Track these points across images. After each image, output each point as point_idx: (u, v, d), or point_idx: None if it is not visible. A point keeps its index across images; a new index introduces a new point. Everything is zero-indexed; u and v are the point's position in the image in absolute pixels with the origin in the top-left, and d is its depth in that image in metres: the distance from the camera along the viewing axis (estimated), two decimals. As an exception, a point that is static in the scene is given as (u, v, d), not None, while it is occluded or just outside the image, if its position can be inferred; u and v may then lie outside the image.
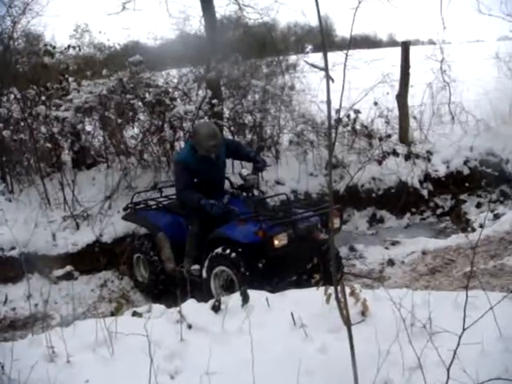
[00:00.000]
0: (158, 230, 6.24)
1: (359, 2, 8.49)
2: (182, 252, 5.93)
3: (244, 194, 5.95)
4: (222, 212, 5.58)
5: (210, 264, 5.54)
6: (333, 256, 2.72)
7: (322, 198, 7.84)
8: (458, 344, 2.48)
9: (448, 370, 2.51)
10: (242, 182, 5.95)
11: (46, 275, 6.82)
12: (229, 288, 5.37)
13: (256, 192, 6.28)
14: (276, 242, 5.19)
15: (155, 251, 6.28)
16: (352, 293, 3.48)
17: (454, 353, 2.49)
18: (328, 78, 2.02)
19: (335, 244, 6.18)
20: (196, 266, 5.76)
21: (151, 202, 6.71)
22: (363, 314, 3.46)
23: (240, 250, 5.34)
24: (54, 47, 8.83)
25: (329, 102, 2.09)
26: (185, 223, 6.04)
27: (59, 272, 6.89)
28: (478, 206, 8.40)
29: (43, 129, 8.00)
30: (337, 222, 5.72)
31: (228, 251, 5.38)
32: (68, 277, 6.89)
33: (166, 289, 6.12)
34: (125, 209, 6.78)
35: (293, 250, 5.31)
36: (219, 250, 5.45)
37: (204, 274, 5.59)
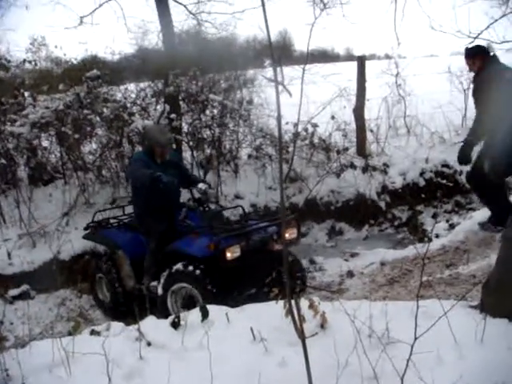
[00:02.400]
0: (117, 247, 6.18)
1: (315, 18, 8.70)
2: (143, 269, 5.88)
3: (200, 207, 5.95)
4: (174, 187, 5.63)
5: (168, 280, 5.47)
6: (286, 268, 2.75)
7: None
8: (411, 353, 2.53)
9: (402, 378, 2.56)
10: (200, 195, 5.95)
11: (0, 295, 6.64)
12: (188, 305, 5.29)
13: (213, 206, 6.30)
14: (228, 255, 5.18)
15: (116, 270, 6.19)
16: (311, 305, 3.51)
17: (407, 362, 2.54)
18: (277, 91, 2.06)
19: (298, 256, 6.23)
20: (155, 283, 5.70)
21: (112, 221, 6.62)
22: (322, 326, 3.49)
23: (202, 265, 5.30)
24: (9, 61, 8.68)
25: (279, 117, 2.13)
26: (145, 240, 5.98)
27: (15, 291, 6.73)
28: (434, 216, 8.60)
29: (-2, 145, 7.83)
30: (294, 233, 5.76)
31: (191, 268, 5.32)
32: (24, 296, 6.73)
33: (129, 309, 5.99)
34: (85, 228, 6.66)
35: (248, 262, 5.29)
36: (179, 266, 5.39)
37: (160, 291, 5.51)
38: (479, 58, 5.84)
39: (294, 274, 5.79)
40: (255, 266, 5.40)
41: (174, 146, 7.48)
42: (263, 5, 1.87)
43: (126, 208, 6.86)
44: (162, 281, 5.50)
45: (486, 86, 5.62)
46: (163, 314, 5.16)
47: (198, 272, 5.28)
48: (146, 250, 5.91)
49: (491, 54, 5.93)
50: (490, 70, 5.69)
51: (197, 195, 6.10)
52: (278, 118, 2.12)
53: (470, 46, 6.07)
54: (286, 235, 5.63)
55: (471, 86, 6.16)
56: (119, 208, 7.01)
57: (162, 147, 5.79)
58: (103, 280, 6.43)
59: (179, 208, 5.93)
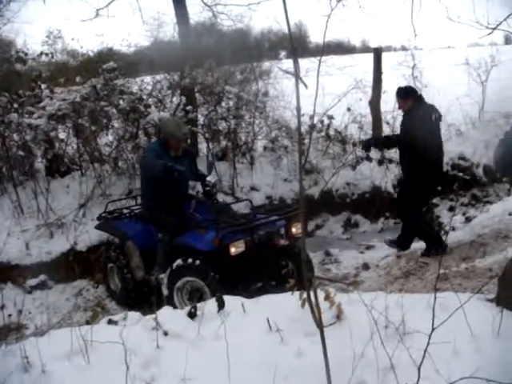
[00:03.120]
0: (126, 238, 6.20)
1: (331, 10, 8.64)
2: (152, 260, 5.89)
3: (209, 200, 5.96)
4: (187, 177, 5.70)
5: (171, 279, 5.47)
6: (304, 260, 2.75)
7: (297, 203, 7.88)
8: (428, 343, 2.53)
9: (418, 369, 2.56)
10: (209, 188, 5.95)
11: (19, 285, 6.73)
12: (193, 299, 5.33)
13: (220, 198, 6.30)
14: (232, 250, 5.18)
15: (124, 258, 6.24)
16: (327, 297, 3.51)
17: (424, 352, 2.54)
18: (297, 83, 2.06)
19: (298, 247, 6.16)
20: (164, 275, 5.68)
21: (124, 211, 6.67)
22: (338, 317, 3.49)
23: (202, 257, 5.30)
24: (26, 54, 8.74)
25: (298, 109, 2.13)
26: (155, 231, 6.00)
27: (33, 281, 6.82)
28: (451, 209, 8.55)
29: (16, 136, 7.91)
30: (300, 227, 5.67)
31: (190, 260, 5.33)
32: (42, 286, 6.83)
33: (139, 297, 6.07)
34: (98, 218, 6.73)
35: (253, 257, 5.27)
36: (179, 261, 5.40)
37: (165, 292, 5.50)
38: (411, 98, 6.35)
39: (299, 266, 5.69)
40: (260, 261, 5.37)
41: (189, 141, 7.48)
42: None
43: (138, 198, 6.87)
44: (165, 280, 5.51)
45: (418, 126, 6.04)
46: (169, 303, 5.18)
47: (197, 262, 5.29)
48: (155, 240, 5.94)
49: (419, 94, 6.52)
50: (419, 111, 6.22)
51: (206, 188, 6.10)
52: (298, 110, 2.13)
53: (402, 86, 6.69)
54: (293, 230, 5.68)
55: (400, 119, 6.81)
56: (132, 198, 7.05)
57: (177, 141, 5.80)
58: (114, 269, 6.49)
59: (188, 200, 5.96)
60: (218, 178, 6.10)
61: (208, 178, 5.94)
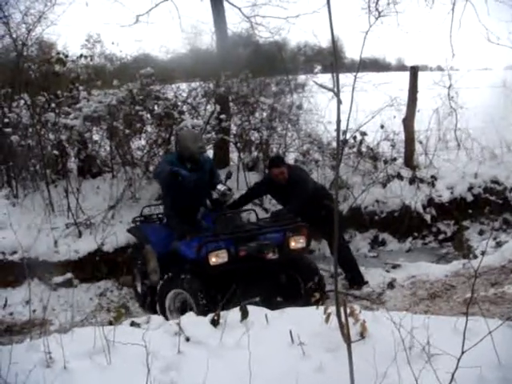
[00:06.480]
0: (146, 242, 6.15)
1: (370, 26, 8.63)
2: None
3: (218, 209, 5.96)
4: (193, 182, 5.59)
5: (162, 288, 5.38)
6: (335, 270, 2.71)
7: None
8: (457, 367, 2.48)
9: (445, 393, 2.51)
10: (218, 196, 5.94)
11: (45, 281, 6.82)
12: (184, 310, 5.12)
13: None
14: (213, 260, 4.97)
15: (144, 264, 6.19)
16: (351, 313, 3.48)
17: (452, 376, 2.49)
18: (338, 98, 2.06)
19: (307, 261, 5.96)
20: None
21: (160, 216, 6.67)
22: (362, 335, 3.45)
23: (191, 267, 5.18)
24: (66, 56, 8.88)
25: (338, 122, 2.12)
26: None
27: (59, 279, 6.90)
28: (481, 233, 8.39)
29: (51, 136, 8.04)
30: (302, 242, 5.50)
31: (178, 271, 5.22)
32: (68, 284, 6.89)
33: (153, 303, 5.85)
34: (133, 221, 6.76)
35: (239, 270, 5.05)
36: (176, 271, 5.30)
37: (159, 293, 5.43)
38: (287, 166, 6.53)
39: (309, 281, 5.60)
40: (250, 274, 5.14)
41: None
42: (329, 4, 1.86)
43: None
44: (161, 283, 5.43)
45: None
46: (162, 314, 5.16)
47: (183, 274, 5.16)
48: None
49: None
50: (298, 176, 6.47)
51: (215, 196, 6.11)
52: (338, 124, 2.12)
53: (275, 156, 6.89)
54: (292, 243, 5.44)
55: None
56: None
57: (192, 154, 5.77)
58: (138, 272, 6.45)
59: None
60: (227, 187, 5.97)
61: (218, 187, 5.89)
